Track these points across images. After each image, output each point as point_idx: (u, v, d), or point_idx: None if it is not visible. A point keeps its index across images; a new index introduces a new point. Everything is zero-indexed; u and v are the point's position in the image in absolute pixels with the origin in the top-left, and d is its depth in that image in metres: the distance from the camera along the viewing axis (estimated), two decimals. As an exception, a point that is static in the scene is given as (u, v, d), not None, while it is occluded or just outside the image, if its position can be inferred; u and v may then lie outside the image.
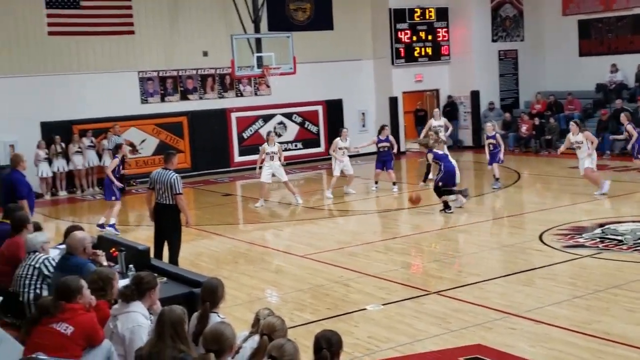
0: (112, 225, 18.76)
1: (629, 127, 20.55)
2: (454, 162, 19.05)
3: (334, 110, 30.33)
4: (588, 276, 12.37)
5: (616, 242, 14.40)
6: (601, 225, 15.81)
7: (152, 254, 11.38)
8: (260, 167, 21.00)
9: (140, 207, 21.65)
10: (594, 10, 30.74)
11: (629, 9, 29.64)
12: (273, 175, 21.06)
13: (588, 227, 15.78)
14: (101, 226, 18.67)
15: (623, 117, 21.14)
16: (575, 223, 16.28)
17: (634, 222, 16.02)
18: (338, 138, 21.92)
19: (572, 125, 19.96)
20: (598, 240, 14.66)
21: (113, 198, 18.86)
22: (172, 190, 12.98)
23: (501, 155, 21.69)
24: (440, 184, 18.56)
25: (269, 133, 21.98)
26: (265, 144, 21.08)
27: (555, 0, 32.07)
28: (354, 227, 18.53)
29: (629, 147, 20.98)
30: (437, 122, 23.95)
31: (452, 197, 18.56)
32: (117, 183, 18.93)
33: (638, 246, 13.98)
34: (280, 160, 21.02)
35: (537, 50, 32.98)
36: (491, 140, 21.84)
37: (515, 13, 32.64)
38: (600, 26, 30.74)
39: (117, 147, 20.45)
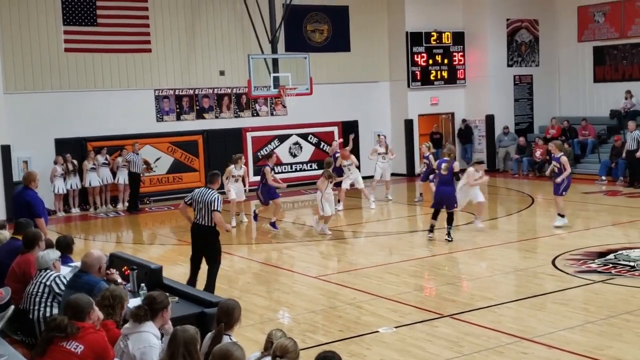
0: (273, 224, 20.31)
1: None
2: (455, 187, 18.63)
3: (350, 131, 30.28)
4: (601, 302, 12.35)
5: (628, 268, 14.38)
6: (613, 251, 15.78)
7: (167, 275, 11.36)
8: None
9: (154, 225, 21.70)
10: (609, 37, 30.82)
11: (644, 37, 29.74)
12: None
13: (600, 253, 15.75)
14: (273, 225, 20.28)
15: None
16: (587, 248, 16.28)
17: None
18: (232, 166, 21.64)
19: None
20: (611, 266, 14.63)
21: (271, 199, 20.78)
22: (211, 206, 13.01)
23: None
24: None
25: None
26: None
27: (571, 26, 32.18)
28: (367, 248, 18.47)
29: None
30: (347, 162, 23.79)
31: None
32: (280, 183, 21.25)
33: (651, 273, 13.95)
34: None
35: (552, 76, 33.08)
36: (425, 160, 23.72)
37: (530, 38, 32.71)
38: (615, 53, 30.80)
39: (268, 156, 21.94)
